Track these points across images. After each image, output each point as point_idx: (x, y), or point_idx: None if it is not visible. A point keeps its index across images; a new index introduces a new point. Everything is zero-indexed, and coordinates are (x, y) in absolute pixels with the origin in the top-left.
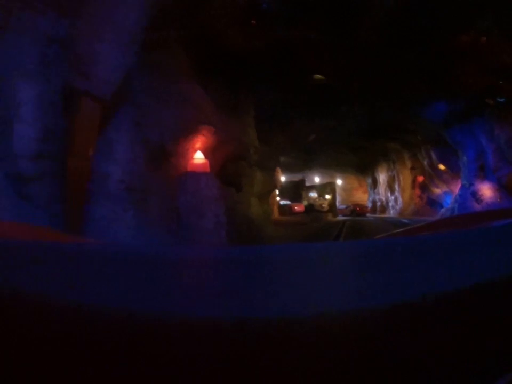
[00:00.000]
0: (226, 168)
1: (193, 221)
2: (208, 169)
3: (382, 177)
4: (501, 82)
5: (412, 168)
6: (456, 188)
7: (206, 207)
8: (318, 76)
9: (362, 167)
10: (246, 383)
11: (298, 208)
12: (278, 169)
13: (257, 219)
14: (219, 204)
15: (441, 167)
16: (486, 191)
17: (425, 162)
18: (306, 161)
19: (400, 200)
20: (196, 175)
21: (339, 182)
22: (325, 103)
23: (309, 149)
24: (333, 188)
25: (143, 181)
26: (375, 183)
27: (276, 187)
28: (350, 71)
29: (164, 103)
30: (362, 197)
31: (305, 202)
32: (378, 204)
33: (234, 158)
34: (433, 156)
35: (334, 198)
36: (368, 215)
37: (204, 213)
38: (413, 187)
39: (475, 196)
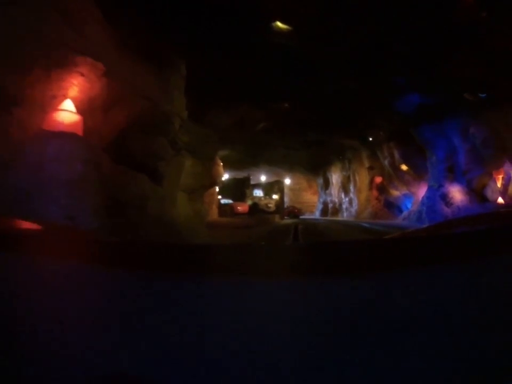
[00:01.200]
0: (131, 142)
1: None
2: (79, 131)
3: (335, 177)
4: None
5: (370, 168)
6: (419, 190)
7: (50, 198)
8: (279, 25)
9: (314, 166)
10: None
11: (242, 208)
12: (219, 162)
13: (184, 222)
14: (84, 194)
15: (404, 167)
16: (456, 193)
17: (385, 162)
18: (253, 157)
19: (355, 202)
20: (45, 135)
21: (287, 181)
22: (280, 76)
23: (257, 142)
24: (281, 187)
25: None
26: (327, 183)
27: (215, 182)
28: (318, 31)
29: None
30: (312, 198)
31: (249, 202)
32: (330, 205)
33: (148, 129)
34: (396, 155)
35: (281, 198)
36: (320, 218)
37: (43, 209)
38: (370, 188)
39: (445, 198)
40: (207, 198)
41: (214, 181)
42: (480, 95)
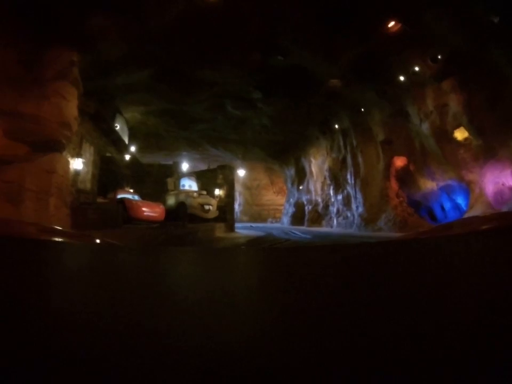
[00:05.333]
0: None
1: None
2: None
3: (316, 164)
4: None
5: (386, 142)
6: (483, 176)
7: None
8: None
9: (280, 149)
10: None
11: (150, 211)
12: (67, 89)
13: None
14: None
15: (460, 133)
16: None
17: (424, 126)
18: (184, 127)
19: (360, 200)
20: None
21: (240, 173)
22: None
23: (175, 71)
24: (229, 177)
25: None
26: (301, 175)
27: (47, 136)
28: None
29: None
30: (276, 199)
31: (171, 202)
32: (308, 208)
33: None
34: (455, 107)
35: (231, 195)
36: (293, 228)
37: None
38: (387, 177)
39: None
40: (30, 182)
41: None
42: None
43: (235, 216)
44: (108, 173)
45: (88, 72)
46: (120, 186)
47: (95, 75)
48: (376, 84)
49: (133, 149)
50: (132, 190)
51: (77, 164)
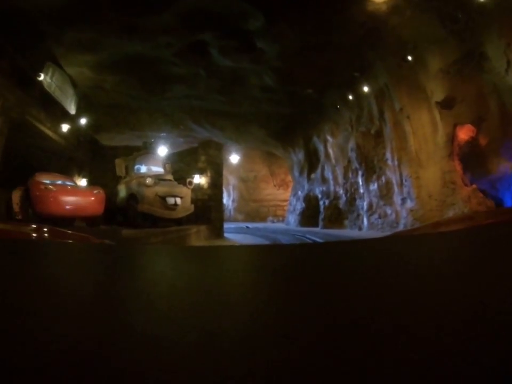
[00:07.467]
0: None
1: None
2: None
3: (336, 142)
4: None
5: (446, 103)
6: None
7: None
8: None
9: (285, 128)
10: None
11: (75, 204)
12: None
13: None
14: None
15: None
16: None
17: None
18: (156, 92)
19: (408, 190)
20: None
21: (233, 159)
22: None
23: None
24: (215, 159)
25: None
26: (313, 159)
27: None
28: None
29: None
30: (277, 194)
31: (122, 194)
32: (324, 203)
33: None
34: None
35: (218, 185)
36: (304, 231)
37: None
38: (450, 155)
39: None
40: None
41: None
42: None
43: (227, 215)
44: (40, 151)
45: None
46: (70, 174)
47: None
48: (442, 6)
49: (84, 121)
50: (85, 179)
51: None
